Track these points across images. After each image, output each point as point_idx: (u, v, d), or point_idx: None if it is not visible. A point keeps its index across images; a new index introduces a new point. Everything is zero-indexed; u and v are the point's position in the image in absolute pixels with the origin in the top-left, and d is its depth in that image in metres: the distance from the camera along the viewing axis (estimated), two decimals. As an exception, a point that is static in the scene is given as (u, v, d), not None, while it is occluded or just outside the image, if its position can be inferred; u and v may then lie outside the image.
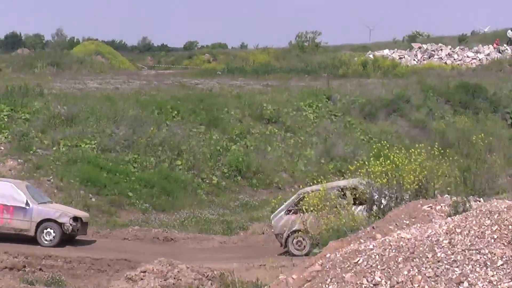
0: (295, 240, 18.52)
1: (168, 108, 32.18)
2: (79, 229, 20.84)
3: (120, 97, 33.29)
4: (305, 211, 16.16)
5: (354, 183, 16.43)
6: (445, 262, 8.98)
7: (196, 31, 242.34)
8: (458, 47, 57.69)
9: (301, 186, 21.80)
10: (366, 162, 14.44)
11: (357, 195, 15.52)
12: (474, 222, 9.67)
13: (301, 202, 17.62)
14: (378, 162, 13.94)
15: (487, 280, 8.50)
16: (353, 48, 62.60)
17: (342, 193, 16.97)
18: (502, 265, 8.79)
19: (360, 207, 15.31)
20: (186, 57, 68.49)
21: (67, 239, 20.39)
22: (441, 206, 11.11)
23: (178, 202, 26.07)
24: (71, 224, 20.18)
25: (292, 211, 18.59)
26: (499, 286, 8.36)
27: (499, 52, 53.73)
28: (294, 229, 18.54)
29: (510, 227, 9.38)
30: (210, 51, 69.43)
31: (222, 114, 33.24)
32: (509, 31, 58.60)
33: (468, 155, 18.47)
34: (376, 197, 13.16)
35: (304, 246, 18.10)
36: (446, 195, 11.98)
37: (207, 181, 28.54)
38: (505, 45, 56.38)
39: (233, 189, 28.58)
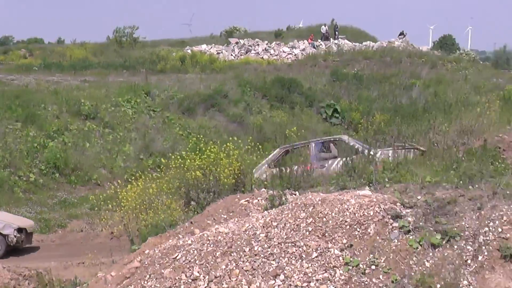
0: None
1: (-18, 105, 31.07)
2: (23, 240, 20.60)
3: None
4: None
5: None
6: (262, 255, 9.07)
7: (11, 26, 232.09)
8: (274, 42, 59.30)
9: (119, 182, 21.63)
10: (183, 157, 14.58)
11: None
12: (289, 215, 9.85)
13: (283, 157, 19.57)
14: (194, 156, 14.04)
15: (303, 272, 8.69)
16: (171, 43, 62.23)
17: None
18: (316, 257, 8.99)
19: None
20: (1, 52, 65.49)
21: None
22: (258, 200, 11.19)
23: (-6, 201, 25.41)
24: (15, 236, 20.05)
25: (273, 165, 19.54)
26: (313, 278, 8.59)
27: (314, 48, 55.90)
28: None
29: (324, 219, 9.57)
30: (26, 46, 66.59)
31: (39, 110, 32.47)
32: (323, 26, 61.47)
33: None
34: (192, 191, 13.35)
35: None
36: (263, 189, 12.16)
37: (24, 179, 27.84)
38: (319, 40, 58.97)
39: (51, 186, 28.12)
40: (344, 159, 17.63)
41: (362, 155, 18.21)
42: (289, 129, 19.06)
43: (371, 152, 17.09)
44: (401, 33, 63.66)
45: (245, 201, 11.30)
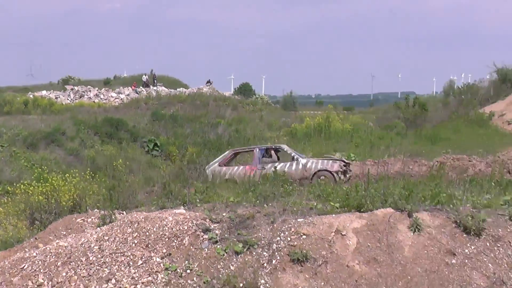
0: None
1: None
2: None
3: None
4: None
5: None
6: (96, 264, 8.87)
7: None
8: (104, 88, 58.14)
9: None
10: (30, 184, 13.60)
11: None
12: (118, 230, 9.60)
13: (232, 158, 20.60)
14: (38, 184, 13.22)
15: (130, 277, 8.65)
16: (16, 89, 58.62)
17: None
18: (141, 264, 8.93)
19: None
20: None
21: None
22: (92, 219, 10.79)
23: None
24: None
25: (224, 164, 19.83)
26: (140, 281, 8.59)
27: (137, 93, 55.31)
28: (225, 178, 18.68)
29: (147, 233, 9.41)
30: None
31: None
32: (144, 76, 61.59)
33: (113, 177, 18.18)
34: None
35: None
36: (96, 210, 11.59)
37: None
38: (141, 87, 58.65)
39: None
40: (282, 164, 18.81)
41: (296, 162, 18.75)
42: (116, 160, 18.42)
43: (300, 160, 18.88)
44: (208, 81, 64.11)
45: (81, 219, 10.68)
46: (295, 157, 19.17)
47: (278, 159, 19.80)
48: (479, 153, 23.39)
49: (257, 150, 19.86)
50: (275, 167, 17.55)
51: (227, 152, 21.21)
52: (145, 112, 43.95)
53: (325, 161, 18.76)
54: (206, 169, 19.98)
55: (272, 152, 19.94)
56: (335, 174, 17.83)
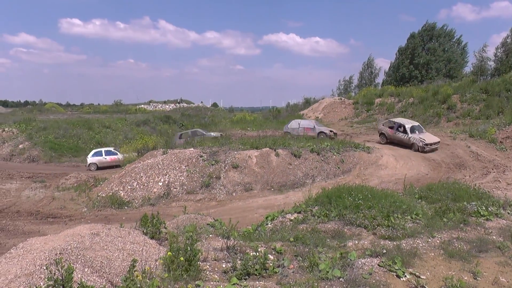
0: None
1: None
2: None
3: None
4: None
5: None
6: (161, 169, 22.23)
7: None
8: (164, 104, 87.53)
9: None
10: (136, 139, 30.92)
11: None
12: (169, 156, 23.00)
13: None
14: (140, 140, 29.00)
15: (174, 173, 21.85)
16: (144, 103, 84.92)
17: None
18: (177, 168, 22.07)
19: None
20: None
21: None
22: (159, 152, 24.29)
23: None
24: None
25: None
26: (177, 175, 21.54)
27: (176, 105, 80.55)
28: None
29: (180, 157, 22.71)
30: None
31: None
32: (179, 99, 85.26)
33: (168, 136, 34.65)
34: None
35: None
36: (161, 148, 25.26)
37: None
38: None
39: None
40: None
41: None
42: (168, 132, 37.97)
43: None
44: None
45: (155, 152, 24.85)
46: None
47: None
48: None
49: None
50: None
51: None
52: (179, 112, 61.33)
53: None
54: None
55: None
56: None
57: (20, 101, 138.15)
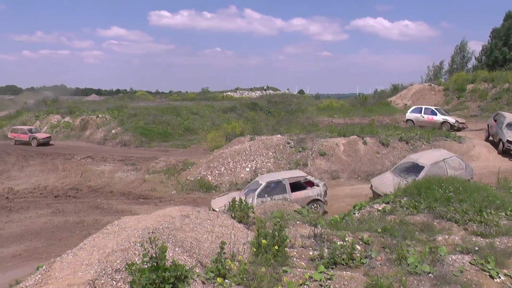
0: None
1: None
2: None
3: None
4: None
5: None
6: (249, 155, 23.03)
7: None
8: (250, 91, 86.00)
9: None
10: (223, 125, 31.08)
11: None
12: (257, 143, 23.29)
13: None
14: (227, 125, 29.42)
15: (261, 159, 22.39)
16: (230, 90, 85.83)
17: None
18: (265, 155, 22.53)
19: None
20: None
21: None
22: (247, 138, 24.80)
23: None
24: None
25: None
26: (265, 161, 22.11)
27: (262, 92, 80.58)
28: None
29: (267, 143, 23.00)
30: None
31: None
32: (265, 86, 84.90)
33: (254, 122, 34.92)
34: None
35: None
36: (248, 135, 25.83)
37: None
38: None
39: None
40: None
41: None
42: (254, 118, 36.97)
43: None
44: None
45: (243, 138, 25.63)
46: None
47: None
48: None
49: None
50: None
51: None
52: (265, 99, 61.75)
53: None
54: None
55: None
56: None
57: (112, 89, 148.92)
